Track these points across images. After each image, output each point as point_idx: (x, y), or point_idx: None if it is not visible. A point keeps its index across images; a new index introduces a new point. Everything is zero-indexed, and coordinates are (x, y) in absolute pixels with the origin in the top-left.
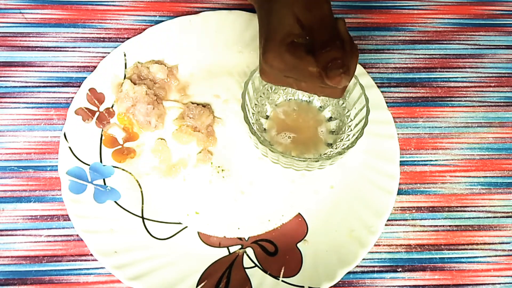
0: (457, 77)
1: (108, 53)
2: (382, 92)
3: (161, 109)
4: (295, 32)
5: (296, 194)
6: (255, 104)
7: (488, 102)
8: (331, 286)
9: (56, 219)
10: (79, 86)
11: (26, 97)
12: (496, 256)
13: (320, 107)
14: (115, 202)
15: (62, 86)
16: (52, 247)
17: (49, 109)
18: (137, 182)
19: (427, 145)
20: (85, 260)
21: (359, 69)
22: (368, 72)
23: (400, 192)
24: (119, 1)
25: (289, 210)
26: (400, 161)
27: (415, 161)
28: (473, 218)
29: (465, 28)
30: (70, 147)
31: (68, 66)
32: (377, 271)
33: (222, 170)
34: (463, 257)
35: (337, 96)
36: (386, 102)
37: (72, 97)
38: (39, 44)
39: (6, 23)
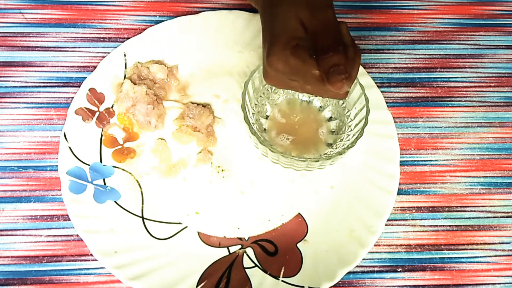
0: (457, 77)
1: (108, 53)
2: (382, 92)
3: (161, 109)
4: (299, 35)
5: (296, 194)
6: (255, 104)
7: (488, 102)
8: (331, 286)
9: (56, 219)
10: (79, 86)
11: (26, 97)
12: (496, 256)
13: (320, 107)
14: (115, 202)
15: (62, 86)
16: (52, 247)
17: (49, 109)
18: (137, 182)
19: (427, 145)
20: (85, 260)
21: (359, 69)
22: (368, 72)
23: (400, 192)
24: (119, 1)
25: (289, 210)
26: (400, 161)
27: (415, 161)
28: (473, 218)
29: (465, 28)
30: (70, 147)
31: (68, 66)
32: (377, 271)
33: (222, 170)
34: (463, 257)
35: (342, 98)
36: (386, 102)
37: (72, 97)
38: (39, 44)
39: (6, 23)
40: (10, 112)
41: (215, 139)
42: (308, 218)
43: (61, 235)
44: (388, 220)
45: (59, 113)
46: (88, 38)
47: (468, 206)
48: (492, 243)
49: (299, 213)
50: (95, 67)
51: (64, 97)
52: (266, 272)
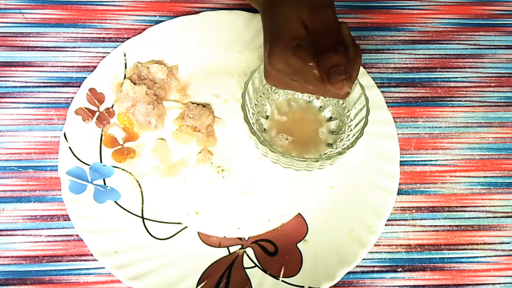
0: (457, 77)
1: (108, 53)
2: (382, 92)
3: (161, 109)
4: (300, 35)
5: (296, 194)
6: (255, 104)
7: (488, 102)
8: (331, 286)
9: (56, 219)
10: (79, 86)
11: (26, 97)
12: (496, 256)
13: (320, 107)
14: (115, 202)
15: (62, 86)
16: (52, 247)
17: (49, 109)
18: (137, 182)
19: (427, 145)
20: (85, 260)
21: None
22: (368, 72)
23: (400, 192)
24: (119, 1)
25: (289, 210)
26: (400, 161)
27: (415, 161)
28: (473, 218)
29: (465, 28)
30: (70, 147)
31: (68, 66)
32: (377, 271)
33: (222, 170)
34: (463, 257)
35: (343, 97)
36: (386, 102)
37: (72, 97)
38: (39, 44)
39: (6, 23)
40: (10, 112)
41: (215, 139)
42: (308, 218)
43: (61, 235)
44: (388, 220)
45: (59, 113)
46: (88, 38)
47: (468, 206)
48: (492, 243)
49: (299, 213)
50: (95, 67)
51: (64, 97)
52: (266, 272)
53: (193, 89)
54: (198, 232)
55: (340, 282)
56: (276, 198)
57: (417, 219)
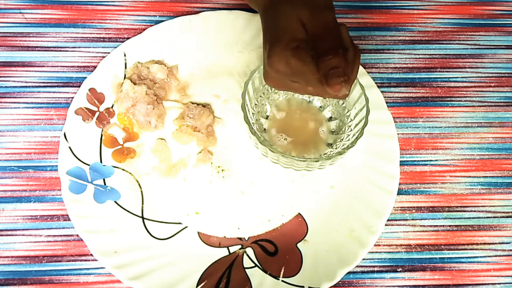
0: (457, 77)
1: (108, 53)
2: (382, 92)
3: (161, 109)
4: (300, 36)
5: (296, 194)
6: (255, 104)
7: (488, 102)
8: (331, 286)
9: (56, 219)
10: (79, 86)
11: (26, 97)
12: (496, 256)
13: (320, 107)
14: (115, 202)
15: (62, 86)
16: (52, 247)
17: (49, 109)
18: (137, 182)
19: (427, 145)
20: (85, 260)
21: (359, 69)
22: (368, 72)
23: (400, 192)
24: (119, 1)
25: (289, 210)
26: (400, 161)
27: (415, 161)
28: (473, 218)
29: (465, 28)
30: (70, 147)
31: (68, 66)
32: (377, 271)
33: (222, 170)
34: (463, 257)
35: (343, 98)
36: (386, 102)
37: (72, 97)
38: (39, 44)
39: (6, 23)
40: (10, 112)
41: (215, 139)
42: (308, 218)
43: (61, 235)
44: (388, 220)
45: (59, 113)
46: (88, 38)
47: (468, 206)
48: (492, 243)
49: (299, 213)
50: (95, 67)
51: (64, 97)
52: (266, 272)
53: (193, 89)
54: (198, 232)
55: (340, 282)
56: (276, 198)
57: (417, 219)
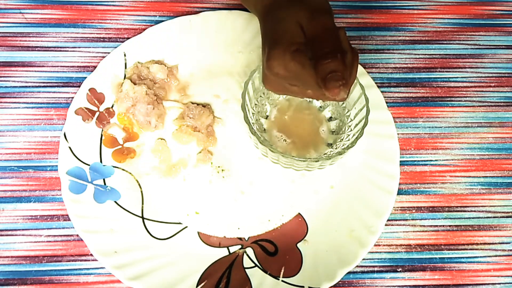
0: (457, 77)
1: (108, 53)
2: (382, 92)
3: (161, 109)
4: (299, 40)
5: (296, 194)
6: (255, 104)
7: (488, 102)
8: (331, 286)
9: (56, 219)
10: (79, 86)
11: (26, 97)
12: (496, 256)
13: (320, 107)
14: (115, 202)
15: (62, 86)
16: (52, 247)
17: (49, 109)
18: (137, 182)
19: (427, 145)
20: (85, 260)
21: (359, 69)
22: (368, 72)
23: (400, 192)
24: (119, 1)
25: (289, 210)
26: (400, 161)
27: (415, 161)
28: (473, 218)
29: (465, 28)
30: (70, 147)
31: (68, 66)
32: (377, 271)
33: (222, 170)
34: (463, 257)
35: (342, 101)
36: (386, 102)
37: (72, 97)
38: (39, 44)
39: (6, 23)
40: (10, 112)
41: (215, 139)
42: (308, 218)
43: (61, 235)
44: (388, 220)
45: (59, 113)
46: (88, 38)
47: (468, 206)
48: (492, 243)
49: (299, 213)
50: (95, 67)
51: (64, 97)
52: (266, 272)
53: (193, 89)
54: (198, 232)
55: (340, 282)
56: (276, 198)
57: (417, 219)
